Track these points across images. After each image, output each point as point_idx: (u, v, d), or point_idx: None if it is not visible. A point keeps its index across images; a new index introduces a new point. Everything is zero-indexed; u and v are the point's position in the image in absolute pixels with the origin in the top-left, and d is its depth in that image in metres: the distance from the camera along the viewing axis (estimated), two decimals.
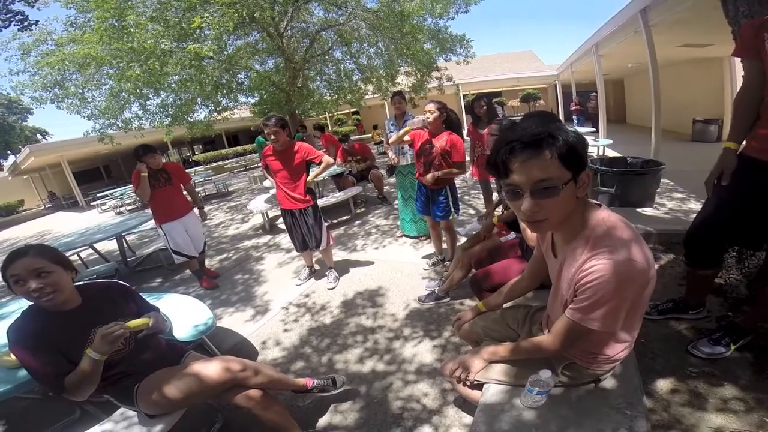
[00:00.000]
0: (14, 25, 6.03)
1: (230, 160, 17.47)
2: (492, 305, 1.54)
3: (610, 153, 6.81)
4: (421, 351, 2.21)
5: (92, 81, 6.17)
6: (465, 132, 5.46)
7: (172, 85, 6.41)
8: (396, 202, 4.36)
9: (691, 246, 1.85)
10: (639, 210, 3.59)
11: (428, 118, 2.71)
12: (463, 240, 3.02)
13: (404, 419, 1.74)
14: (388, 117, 4.62)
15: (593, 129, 8.84)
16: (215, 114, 7.60)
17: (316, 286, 3.32)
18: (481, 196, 4.37)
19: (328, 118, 20.02)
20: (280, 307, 3.05)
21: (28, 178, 21.58)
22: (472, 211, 4.68)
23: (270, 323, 2.83)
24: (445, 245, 3.25)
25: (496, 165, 0.93)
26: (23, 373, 1.67)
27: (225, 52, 6.26)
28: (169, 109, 6.85)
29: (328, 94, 8.93)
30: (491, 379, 1.27)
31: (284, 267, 3.92)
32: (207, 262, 4.16)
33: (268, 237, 5.08)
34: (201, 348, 2.22)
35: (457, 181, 3.15)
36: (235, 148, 19.77)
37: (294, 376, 1.92)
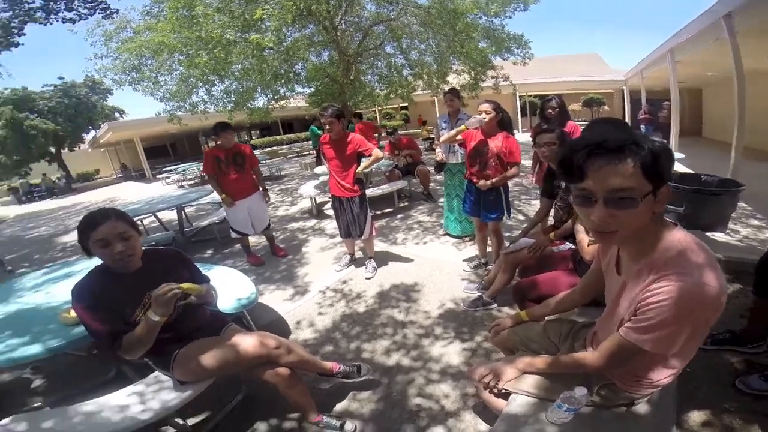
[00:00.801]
0: (98, 13, 6.66)
1: (284, 146, 18.17)
2: (536, 316, 1.48)
3: (682, 168, 6.23)
4: (450, 352, 2.18)
5: (165, 66, 6.69)
6: (530, 133, 5.24)
7: (236, 73, 6.78)
8: (441, 200, 4.30)
9: (764, 274, 1.69)
10: (708, 234, 3.25)
11: (484, 118, 2.64)
12: (507, 244, 2.92)
13: (420, 417, 1.73)
14: (438, 114, 4.54)
15: (663, 141, 8.14)
16: (273, 102, 7.95)
17: (354, 273, 3.39)
18: (533, 202, 4.17)
19: (377, 111, 20.17)
20: (318, 290, 3.14)
21: (105, 151, 24.01)
22: (521, 217, 4.48)
23: (306, 305, 2.93)
24: (489, 248, 3.16)
25: (570, 167, 0.86)
26: (77, 330, 1.76)
27: (284, 44, 6.50)
28: (232, 96, 7.28)
29: (378, 87, 9.01)
30: (521, 390, 1.23)
31: (326, 252, 4.03)
32: (256, 239, 4.33)
33: (314, 221, 5.25)
34: (239, 321, 2.30)
35: (510, 184, 3.05)
36: (289, 135, 20.62)
37: (321, 358, 1.97)
